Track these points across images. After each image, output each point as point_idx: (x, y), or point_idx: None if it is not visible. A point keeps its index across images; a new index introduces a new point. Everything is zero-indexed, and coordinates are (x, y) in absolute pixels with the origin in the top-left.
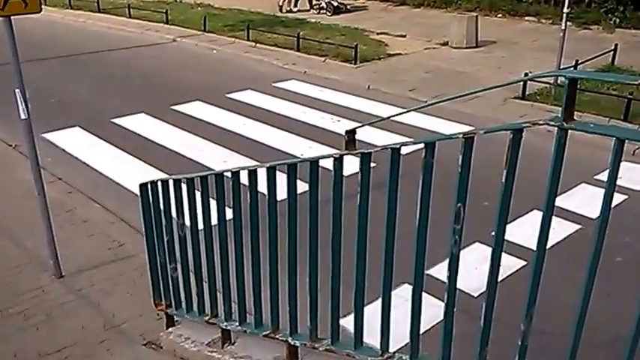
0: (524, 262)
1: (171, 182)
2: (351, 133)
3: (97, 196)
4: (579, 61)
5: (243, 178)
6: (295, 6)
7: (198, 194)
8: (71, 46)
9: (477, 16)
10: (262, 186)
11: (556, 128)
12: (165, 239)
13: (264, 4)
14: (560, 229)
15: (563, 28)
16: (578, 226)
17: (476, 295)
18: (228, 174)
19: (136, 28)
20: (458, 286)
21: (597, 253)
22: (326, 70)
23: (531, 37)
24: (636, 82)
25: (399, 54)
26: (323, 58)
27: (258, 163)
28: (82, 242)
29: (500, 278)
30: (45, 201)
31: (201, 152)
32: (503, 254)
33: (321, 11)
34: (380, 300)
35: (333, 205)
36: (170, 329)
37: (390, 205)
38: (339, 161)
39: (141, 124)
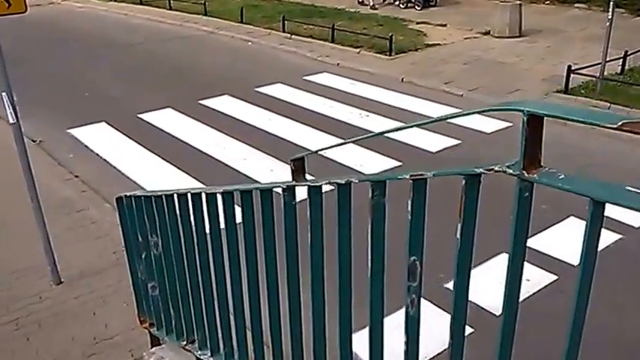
0: (555, 277)
1: (143, 198)
2: (298, 161)
3: (112, 195)
4: (629, 52)
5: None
6: None
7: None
8: (111, 39)
9: (520, 4)
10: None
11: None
12: (143, 256)
13: None
14: (601, 238)
15: (609, 17)
16: (618, 236)
17: (498, 313)
18: (199, 194)
19: (175, 20)
20: (479, 303)
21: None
22: (359, 62)
23: (580, 26)
24: (614, 126)
25: (438, 44)
26: (357, 50)
27: (274, 162)
28: (88, 245)
29: (528, 294)
30: (40, 207)
31: (223, 149)
32: (533, 267)
33: (409, 5)
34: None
35: (286, 241)
36: (153, 349)
37: (342, 245)
38: (289, 192)
39: (166, 119)
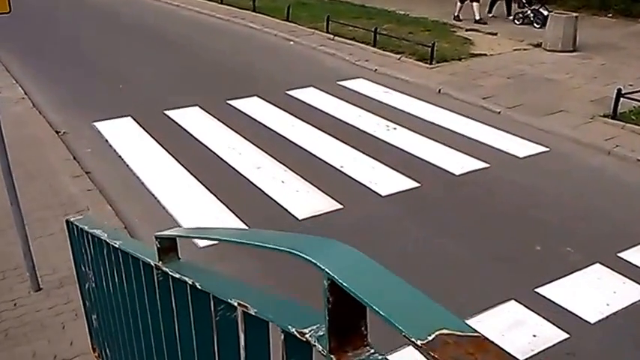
0: (567, 335)
1: (79, 228)
2: (166, 240)
3: (118, 197)
4: None
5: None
6: (490, 11)
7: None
8: (157, 30)
9: (577, 16)
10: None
11: None
12: (86, 286)
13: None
14: (627, 292)
15: None
16: None
17: None
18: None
19: (224, 15)
20: None
21: None
22: (398, 69)
23: None
24: (419, 343)
25: (484, 54)
26: (399, 56)
27: (287, 173)
28: None
29: (532, 352)
30: (19, 211)
31: (239, 155)
32: (543, 321)
33: (525, 21)
34: None
35: (162, 321)
36: None
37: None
38: (158, 272)
39: (192, 118)
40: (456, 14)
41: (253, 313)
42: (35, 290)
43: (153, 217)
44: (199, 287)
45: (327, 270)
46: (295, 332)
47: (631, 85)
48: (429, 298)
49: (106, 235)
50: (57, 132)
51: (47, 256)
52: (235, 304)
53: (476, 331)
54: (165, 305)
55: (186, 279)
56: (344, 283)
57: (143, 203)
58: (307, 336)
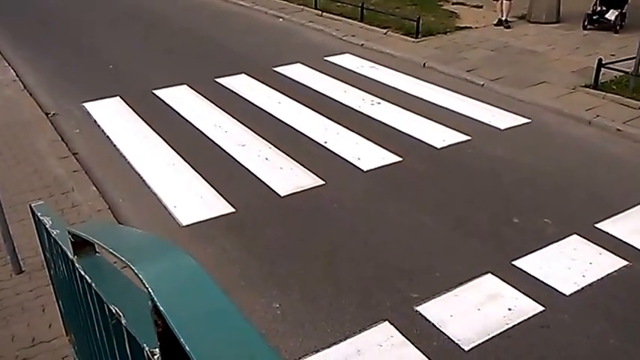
0: (542, 308)
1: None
2: (77, 237)
3: (103, 177)
4: None
5: None
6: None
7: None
8: (146, 10)
9: None
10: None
11: None
12: (51, 272)
13: None
14: (602, 263)
15: None
16: (624, 262)
17: (467, 348)
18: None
19: None
20: (446, 332)
21: None
22: (384, 44)
23: None
24: None
25: (469, 27)
26: (385, 31)
27: (271, 150)
28: None
29: (507, 326)
30: None
31: (224, 133)
32: (518, 294)
33: (596, 26)
34: None
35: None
36: None
37: None
38: (77, 271)
39: (179, 97)
40: (503, 15)
41: (124, 323)
42: (17, 273)
43: (137, 196)
44: (95, 289)
45: (150, 290)
46: (148, 351)
47: (613, 55)
48: (250, 329)
49: (48, 223)
50: (47, 114)
51: (31, 238)
52: (114, 310)
53: None
54: (85, 301)
55: (88, 278)
56: (164, 312)
57: (128, 183)
58: (156, 357)
